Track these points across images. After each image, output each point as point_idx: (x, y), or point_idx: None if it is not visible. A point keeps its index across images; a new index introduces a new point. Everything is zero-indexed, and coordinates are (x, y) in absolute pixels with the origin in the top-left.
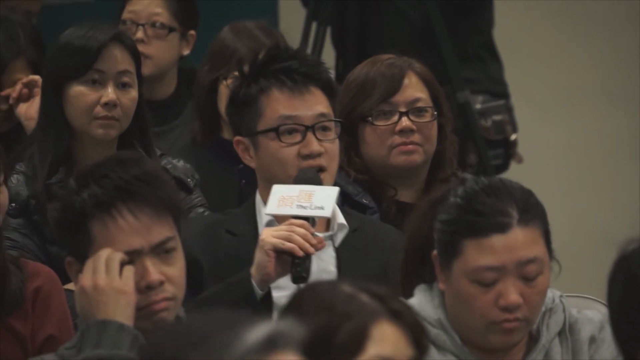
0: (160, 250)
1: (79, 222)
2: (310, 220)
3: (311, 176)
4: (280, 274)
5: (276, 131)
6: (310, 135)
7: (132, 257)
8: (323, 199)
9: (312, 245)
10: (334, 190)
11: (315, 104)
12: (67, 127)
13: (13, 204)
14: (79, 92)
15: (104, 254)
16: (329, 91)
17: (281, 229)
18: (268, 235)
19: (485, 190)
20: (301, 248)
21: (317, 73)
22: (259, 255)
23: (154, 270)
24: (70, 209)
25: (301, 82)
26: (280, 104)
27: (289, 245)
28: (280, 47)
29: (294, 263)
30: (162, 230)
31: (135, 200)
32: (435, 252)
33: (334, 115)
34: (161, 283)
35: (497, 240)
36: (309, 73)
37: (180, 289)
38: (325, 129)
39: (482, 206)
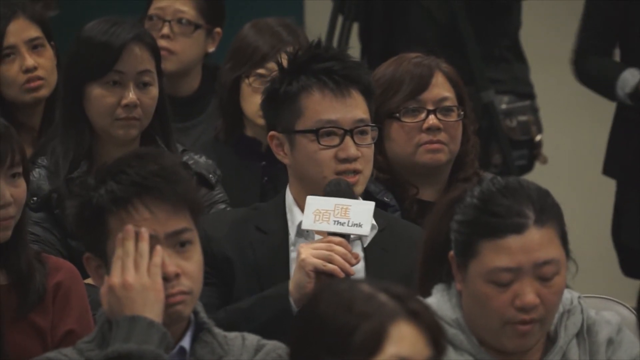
0: (176, 241)
1: (97, 217)
2: (346, 236)
3: (344, 188)
4: None
5: (316, 133)
6: (348, 139)
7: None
8: (360, 215)
9: (350, 264)
10: (370, 205)
11: (355, 108)
12: (88, 125)
13: (35, 198)
14: (100, 94)
15: (131, 249)
16: (368, 94)
17: (321, 248)
18: (308, 255)
19: (501, 191)
20: (342, 269)
21: (357, 75)
22: (299, 276)
23: (170, 262)
24: (88, 205)
25: (342, 84)
26: (321, 106)
27: (330, 267)
28: (321, 45)
29: None
30: (178, 223)
31: (151, 196)
32: (452, 252)
33: (370, 117)
34: (177, 276)
35: (513, 241)
36: (350, 75)
37: (197, 284)
38: (362, 133)
39: (499, 207)
